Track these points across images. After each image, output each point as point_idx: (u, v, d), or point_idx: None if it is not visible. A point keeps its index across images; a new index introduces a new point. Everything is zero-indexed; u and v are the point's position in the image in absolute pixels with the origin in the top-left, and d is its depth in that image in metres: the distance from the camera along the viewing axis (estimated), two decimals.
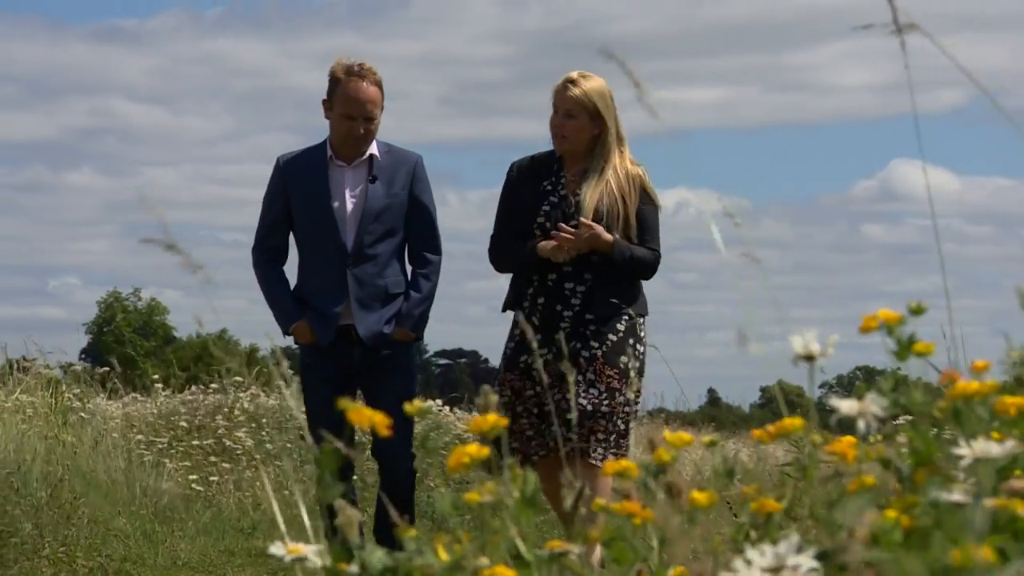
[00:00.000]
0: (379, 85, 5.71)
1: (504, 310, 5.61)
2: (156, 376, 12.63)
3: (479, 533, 2.03)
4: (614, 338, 5.43)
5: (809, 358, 1.73)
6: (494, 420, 2.11)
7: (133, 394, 11.79)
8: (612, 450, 5.34)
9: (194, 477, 9.12)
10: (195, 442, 10.13)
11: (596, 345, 5.41)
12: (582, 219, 5.42)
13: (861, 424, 1.82)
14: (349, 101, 5.63)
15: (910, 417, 1.93)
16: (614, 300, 5.44)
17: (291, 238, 5.88)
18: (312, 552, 2.04)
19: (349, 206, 5.73)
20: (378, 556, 1.98)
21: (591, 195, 5.45)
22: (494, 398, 2.21)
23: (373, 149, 5.74)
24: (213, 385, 11.83)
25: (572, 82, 5.51)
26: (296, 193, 5.77)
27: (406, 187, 5.78)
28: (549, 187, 5.53)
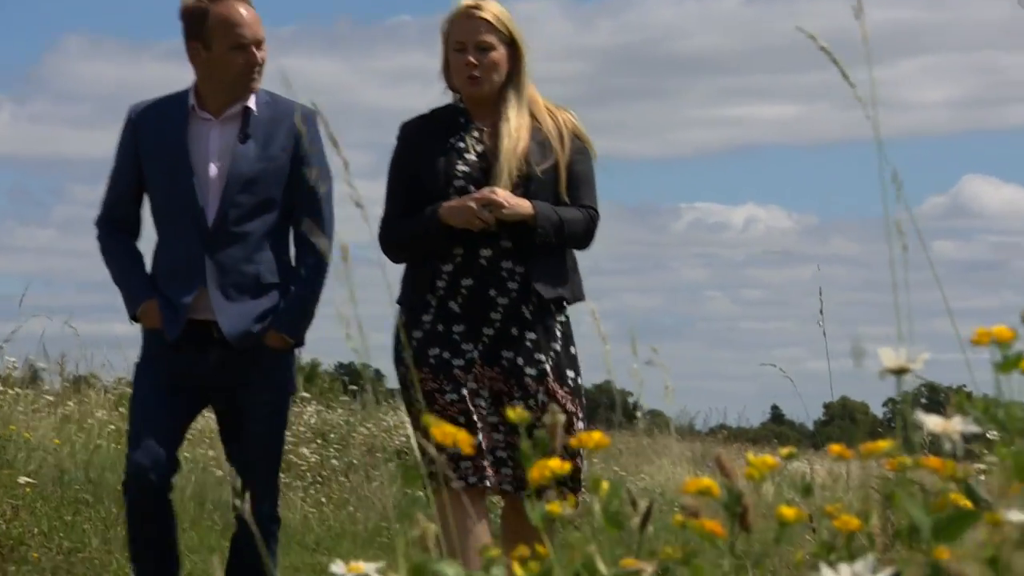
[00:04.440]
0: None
1: (402, 301, 4.40)
2: None
3: (557, 550, 2.00)
4: (558, 347, 4.36)
5: (900, 371, 1.70)
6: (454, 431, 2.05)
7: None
8: (569, 486, 4.12)
9: None
10: None
11: (542, 359, 4.31)
12: (494, 190, 4.25)
13: (947, 443, 1.79)
14: (234, 26, 4.45)
15: (996, 436, 1.89)
16: (557, 287, 4.34)
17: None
18: (373, 570, 2.02)
19: (212, 171, 4.54)
20: (454, 572, 1.96)
21: (517, 147, 4.32)
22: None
23: (250, 102, 4.55)
24: None
25: (476, 6, 4.38)
26: (148, 152, 4.59)
27: (288, 149, 4.55)
28: (461, 144, 4.37)
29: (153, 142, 4.59)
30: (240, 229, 4.53)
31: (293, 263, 4.63)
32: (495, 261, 4.30)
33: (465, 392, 4.26)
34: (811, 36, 2.33)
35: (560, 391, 4.31)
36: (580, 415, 4.34)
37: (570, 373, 4.35)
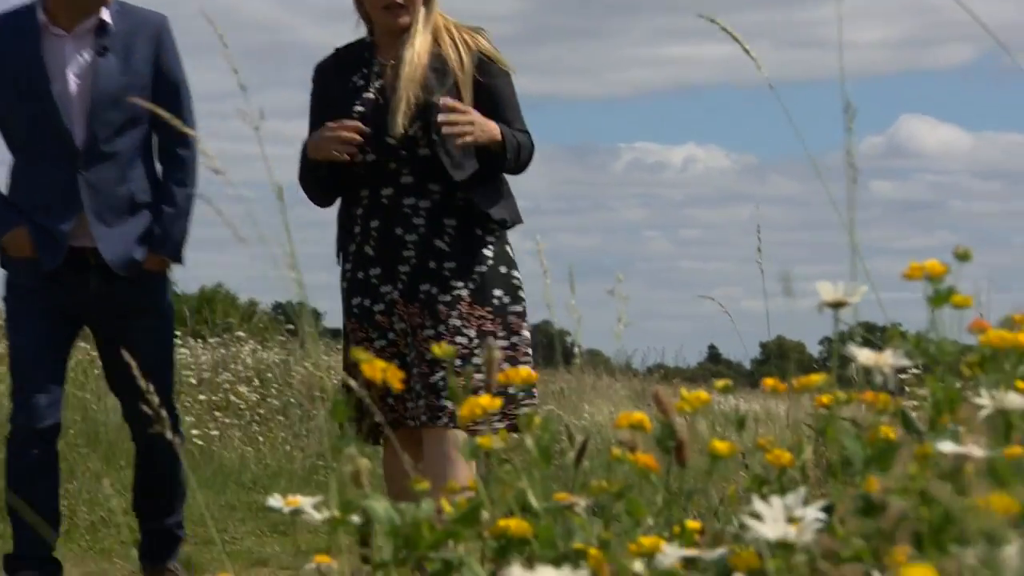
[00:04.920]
0: None
1: (339, 253, 4.32)
2: None
3: (488, 485, 1.99)
4: (482, 269, 4.19)
5: (838, 305, 1.69)
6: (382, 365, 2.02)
7: None
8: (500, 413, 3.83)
9: (196, 432, 9.10)
10: (202, 397, 10.11)
11: (460, 284, 4.16)
12: (468, 109, 4.05)
13: (879, 376, 1.78)
14: None
15: (926, 371, 1.89)
16: (482, 212, 4.17)
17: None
18: (309, 505, 2.01)
19: (73, 88, 4.34)
20: (383, 506, 1.94)
21: (416, 74, 4.11)
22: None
23: (104, 14, 4.36)
24: (211, 340, 11.80)
25: None
26: (1, 73, 4.36)
27: (149, 60, 4.41)
28: (361, 83, 4.22)
29: (6, 63, 4.35)
30: (110, 148, 4.37)
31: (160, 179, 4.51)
32: (396, 199, 4.17)
33: (393, 336, 4.19)
34: (713, 20, 2.32)
35: (479, 311, 4.16)
36: (518, 332, 4.19)
37: (497, 292, 4.18)
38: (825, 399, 1.87)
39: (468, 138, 4.05)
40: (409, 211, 4.16)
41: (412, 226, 4.16)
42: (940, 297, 1.73)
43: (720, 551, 1.70)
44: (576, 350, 4.70)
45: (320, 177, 4.17)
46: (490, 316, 4.17)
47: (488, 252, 4.21)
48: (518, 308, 4.23)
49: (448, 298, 4.14)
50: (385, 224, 4.17)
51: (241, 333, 12.05)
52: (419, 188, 4.16)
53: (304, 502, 2.04)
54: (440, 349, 2.16)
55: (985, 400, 1.61)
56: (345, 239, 4.28)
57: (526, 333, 4.23)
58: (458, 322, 4.13)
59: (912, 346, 1.71)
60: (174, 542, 4.77)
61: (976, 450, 1.44)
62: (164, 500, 4.71)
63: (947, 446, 1.43)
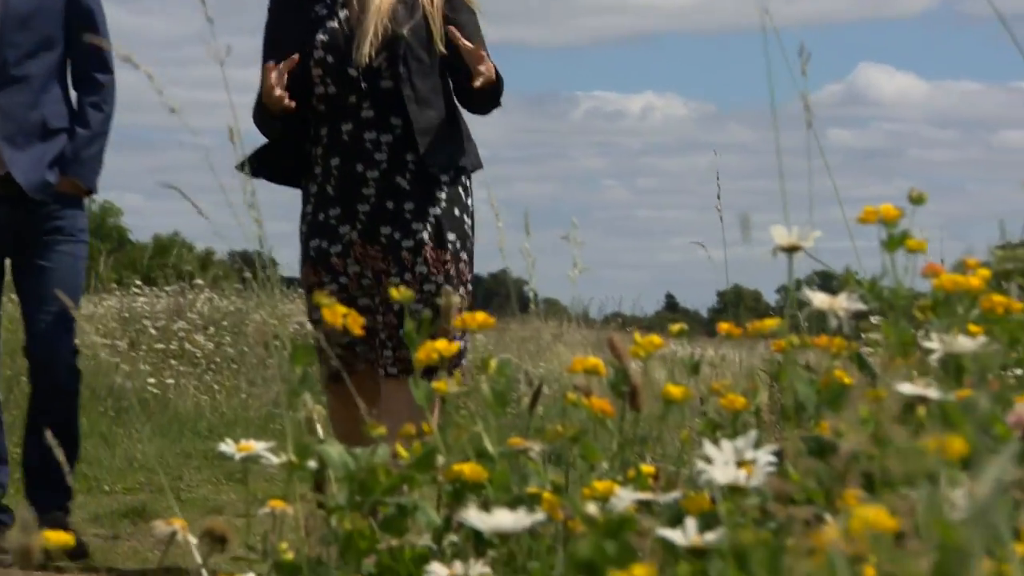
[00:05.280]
0: None
1: (297, 184, 4.19)
2: (114, 278, 12.52)
3: (443, 429, 1.99)
4: (437, 211, 4.12)
5: (792, 249, 1.68)
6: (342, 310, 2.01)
7: (94, 295, 11.71)
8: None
9: (152, 380, 9.07)
10: (158, 345, 10.07)
11: (419, 227, 4.09)
12: (462, 43, 3.94)
13: (833, 320, 1.79)
14: None
15: (881, 317, 1.89)
16: (436, 153, 4.09)
17: None
18: (263, 449, 2.00)
19: None
20: (337, 452, 1.94)
21: (383, 6, 4.03)
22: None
23: None
24: (167, 288, 11.75)
25: None
26: None
27: None
28: (323, 12, 4.10)
29: None
30: (20, 72, 4.26)
31: (75, 106, 4.41)
32: (357, 134, 4.06)
33: (345, 280, 4.11)
34: None
35: (442, 255, 4.10)
36: (462, 280, 4.14)
37: (451, 236, 4.12)
38: (780, 344, 1.88)
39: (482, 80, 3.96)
40: (371, 146, 4.07)
41: (374, 162, 4.07)
42: (894, 241, 1.73)
43: (674, 495, 1.71)
44: (531, 293, 4.66)
45: (269, 119, 4.05)
46: (451, 260, 4.10)
47: (442, 194, 4.12)
48: (465, 256, 4.17)
49: (411, 243, 4.07)
50: (346, 161, 4.08)
51: (199, 281, 12.00)
52: (380, 122, 4.06)
53: (257, 447, 2.03)
54: (398, 292, 2.15)
55: (937, 344, 1.62)
56: (303, 180, 4.19)
57: (469, 284, 4.18)
58: (424, 268, 4.07)
59: (866, 291, 1.71)
60: (62, 490, 4.44)
61: (930, 392, 1.44)
62: (59, 429, 4.60)
63: (903, 387, 1.43)
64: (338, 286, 4.09)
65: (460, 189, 4.18)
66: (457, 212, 4.16)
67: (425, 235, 4.08)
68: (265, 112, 4.04)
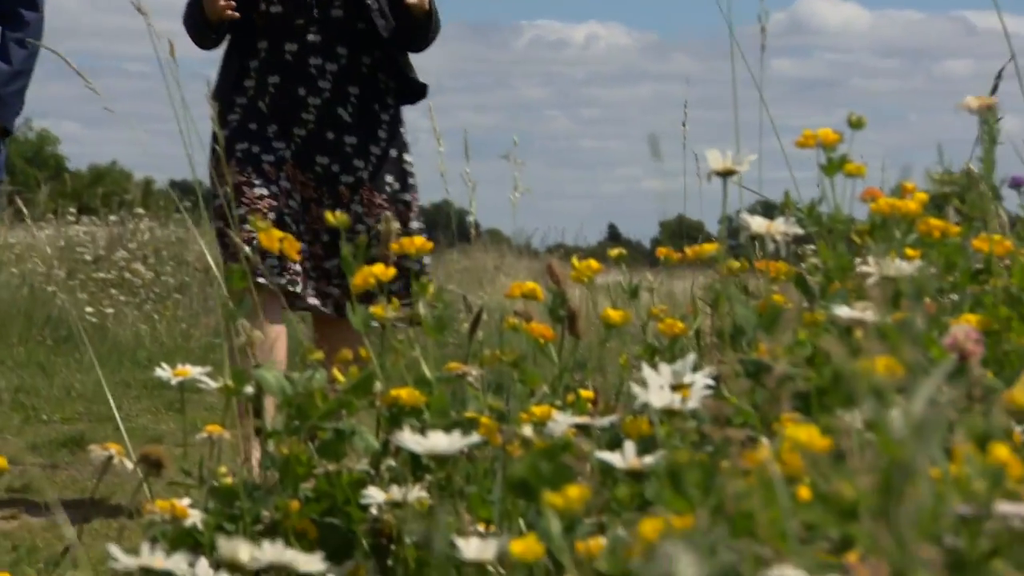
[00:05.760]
0: None
1: (216, 97, 3.96)
2: (51, 207, 12.40)
3: (380, 354, 1.98)
4: (378, 151, 4.03)
5: (726, 173, 1.68)
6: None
7: (31, 224, 11.59)
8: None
9: (90, 310, 9.00)
10: (99, 275, 9.99)
11: (360, 165, 4.01)
12: None
13: (770, 243, 1.78)
14: None
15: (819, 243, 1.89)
16: (383, 86, 4.02)
17: None
18: (200, 374, 1.98)
19: None
20: (274, 376, 1.92)
21: None
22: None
23: None
24: (112, 217, 11.65)
25: None
26: None
27: None
28: None
29: None
30: None
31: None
32: (301, 56, 3.95)
33: (276, 189, 3.95)
34: None
35: (377, 199, 4.01)
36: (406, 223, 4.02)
37: (389, 178, 4.04)
38: (726, 267, 1.87)
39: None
40: (315, 72, 3.96)
41: (317, 89, 3.97)
42: (833, 165, 1.73)
43: (611, 418, 1.71)
44: (472, 223, 4.63)
45: (211, 27, 3.97)
46: (388, 204, 4.01)
47: (382, 133, 4.04)
48: (407, 197, 4.10)
49: (351, 179, 3.99)
50: (286, 81, 3.97)
51: (140, 210, 11.90)
52: (326, 49, 3.96)
53: (194, 371, 2.01)
54: (334, 217, 2.13)
55: (874, 268, 1.62)
56: (229, 90, 4.03)
57: (415, 224, 4.08)
58: (360, 209, 3.98)
59: (805, 215, 1.70)
60: None
61: (867, 315, 1.44)
62: None
63: (842, 310, 1.43)
64: (268, 191, 3.94)
65: (399, 127, 4.10)
66: (396, 152, 4.07)
67: (365, 175, 4.00)
68: (202, 20, 3.94)
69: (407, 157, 4.11)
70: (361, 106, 4.01)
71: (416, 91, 4.10)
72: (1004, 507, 0.96)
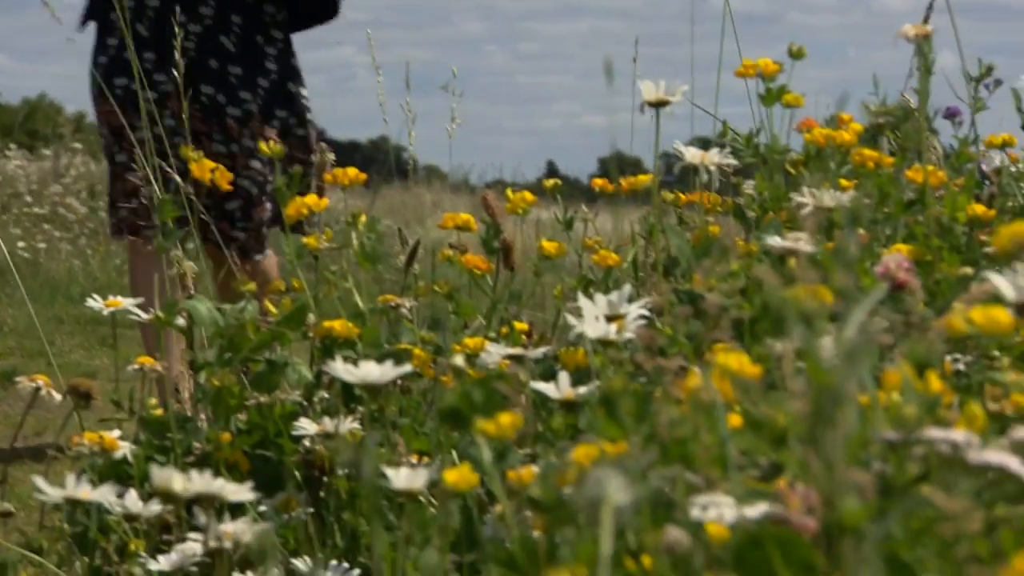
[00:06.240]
0: None
1: (86, 21, 3.81)
2: None
3: (314, 287, 1.96)
4: (265, 83, 3.85)
5: (659, 104, 1.66)
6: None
7: None
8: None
9: (22, 245, 8.89)
10: (35, 209, 9.86)
11: (248, 97, 3.82)
12: None
13: (704, 174, 1.78)
14: None
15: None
16: (267, 18, 3.85)
17: None
18: (131, 304, 1.96)
19: None
20: (206, 307, 1.91)
21: None
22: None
23: None
24: (46, 151, 11.50)
25: None
26: None
27: None
28: None
29: None
30: None
31: None
32: None
33: (159, 132, 3.64)
34: None
35: (269, 133, 3.79)
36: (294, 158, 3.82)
37: (282, 113, 3.85)
38: (661, 197, 1.87)
39: None
40: None
41: (198, 15, 3.78)
42: (772, 95, 1.72)
43: (544, 349, 1.70)
44: (410, 159, 4.56)
45: None
46: (277, 140, 3.81)
47: (271, 64, 3.86)
48: (301, 132, 3.93)
49: (238, 112, 3.80)
50: (164, 5, 3.73)
51: (77, 144, 11.74)
52: None
53: (125, 302, 1.99)
54: (268, 147, 2.10)
55: (808, 198, 1.61)
56: (105, 9, 3.81)
57: (312, 158, 3.82)
58: (251, 143, 3.78)
59: (742, 145, 1.70)
60: None
61: (800, 244, 1.44)
62: None
63: (775, 240, 1.43)
64: (152, 135, 3.84)
65: (292, 59, 3.93)
66: (291, 87, 3.90)
67: (254, 107, 3.81)
68: None
69: (304, 92, 3.94)
70: (244, 36, 3.85)
71: (325, 8, 3.93)
72: (932, 432, 0.96)
